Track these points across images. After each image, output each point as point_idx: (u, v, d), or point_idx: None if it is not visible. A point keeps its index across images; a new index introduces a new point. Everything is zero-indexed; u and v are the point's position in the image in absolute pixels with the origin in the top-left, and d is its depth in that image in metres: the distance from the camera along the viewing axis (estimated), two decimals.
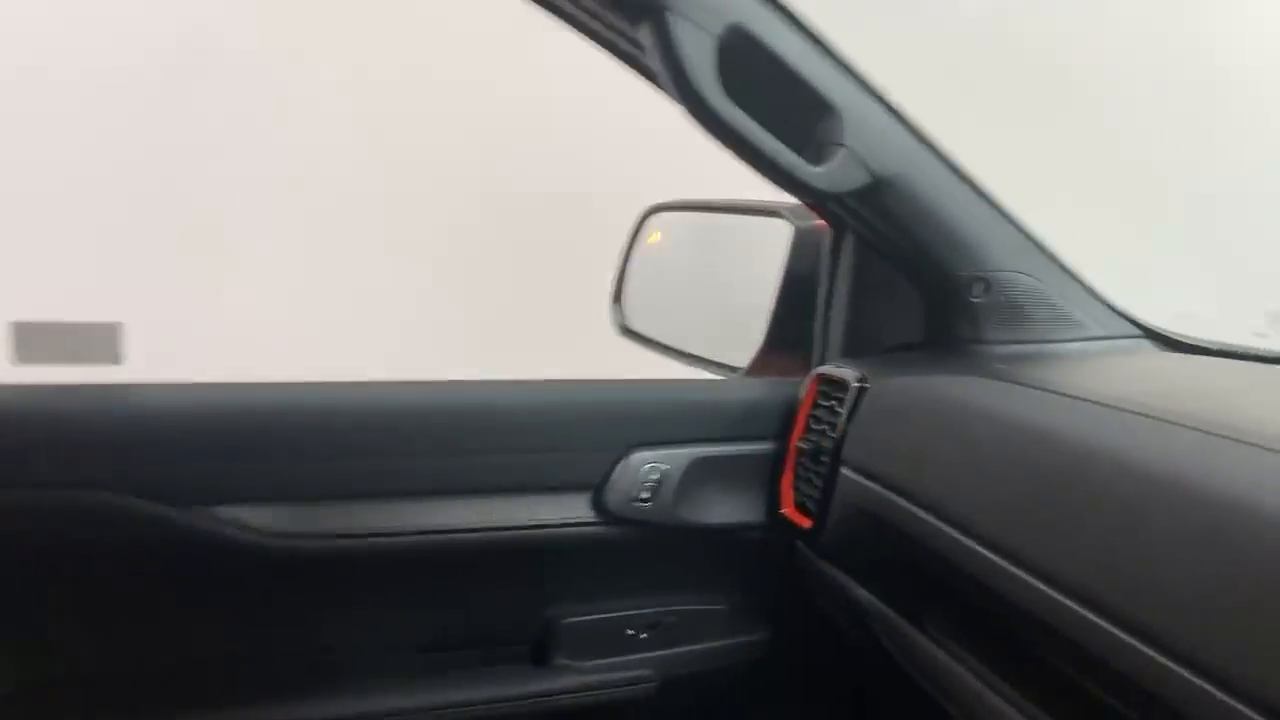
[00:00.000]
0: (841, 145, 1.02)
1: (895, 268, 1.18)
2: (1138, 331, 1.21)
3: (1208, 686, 0.64)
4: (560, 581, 1.17)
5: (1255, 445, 0.75)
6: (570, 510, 1.12)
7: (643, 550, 1.18)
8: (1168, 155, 2.30)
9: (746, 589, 1.25)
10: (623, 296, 1.53)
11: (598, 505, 1.13)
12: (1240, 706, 0.62)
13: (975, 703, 0.92)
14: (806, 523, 1.14)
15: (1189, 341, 1.19)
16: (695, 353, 1.41)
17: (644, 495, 1.13)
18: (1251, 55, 2.38)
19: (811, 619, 1.23)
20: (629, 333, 1.50)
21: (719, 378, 1.34)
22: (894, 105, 1.07)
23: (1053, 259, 1.16)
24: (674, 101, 0.96)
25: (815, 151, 1.04)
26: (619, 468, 1.13)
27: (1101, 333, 1.18)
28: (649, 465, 1.14)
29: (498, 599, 1.15)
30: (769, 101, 1.00)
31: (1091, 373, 1.08)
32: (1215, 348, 1.18)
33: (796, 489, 1.17)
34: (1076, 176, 2.25)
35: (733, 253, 1.46)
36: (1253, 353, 1.20)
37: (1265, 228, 2.29)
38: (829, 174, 1.02)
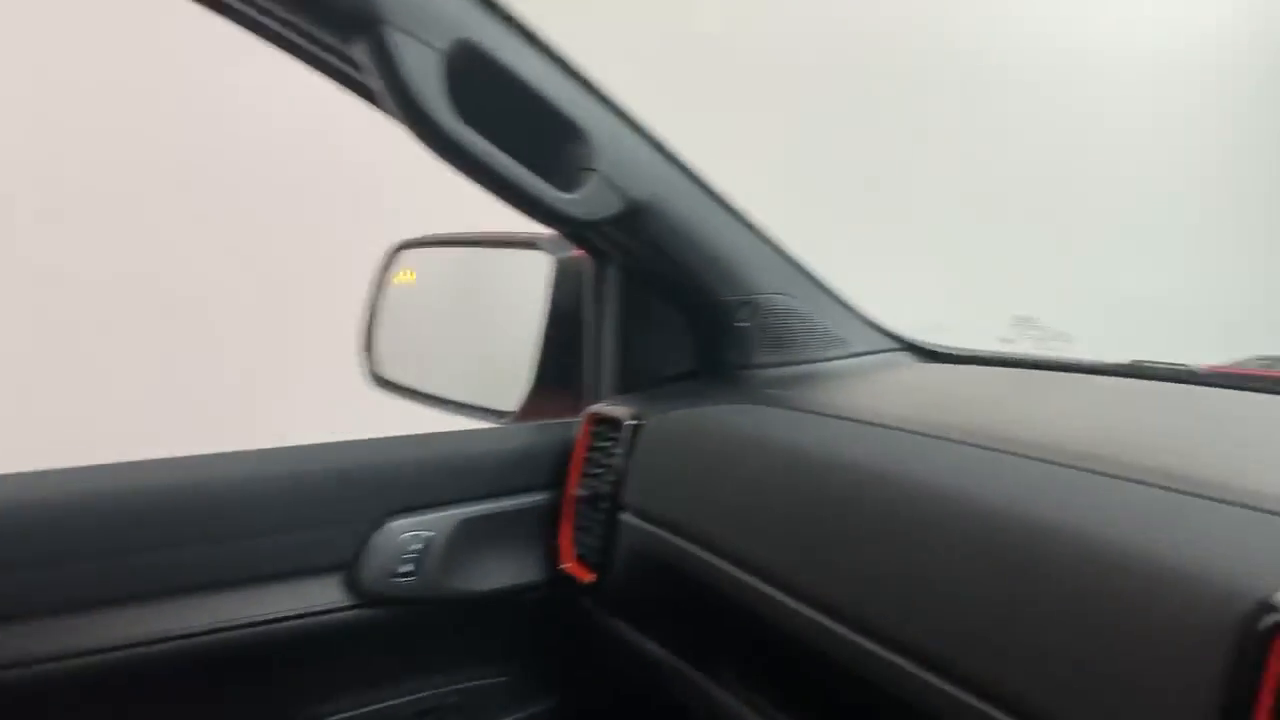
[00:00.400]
0: (593, 170, 0.96)
1: (661, 296, 1.13)
2: (897, 345, 1.22)
3: (998, 713, 0.62)
4: (316, 679, 1.02)
5: (1019, 455, 0.74)
6: (319, 596, 0.98)
7: (410, 630, 1.05)
8: (908, 165, 2.42)
9: (530, 656, 1.15)
10: (373, 343, 1.39)
11: (352, 586, 1.00)
12: None
13: None
14: (589, 576, 1.06)
15: (944, 351, 1.22)
16: (459, 399, 1.30)
17: (405, 569, 1.01)
18: (1010, 67, 2.52)
19: (602, 680, 1.15)
20: (383, 383, 1.37)
21: (487, 425, 1.24)
22: (644, 127, 1.01)
23: (813, 279, 1.15)
24: (401, 126, 0.85)
25: (566, 178, 0.96)
26: (374, 541, 1.01)
27: (864, 348, 1.18)
28: (409, 534, 1.02)
29: (242, 711, 0.99)
30: (511, 125, 0.92)
31: (858, 390, 1.07)
32: (968, 355, 1.21)
33: (577, 541, 1.09)
34: (824, 191, 2.33)
35: (492, 289, 1.37)
36: (1002, 358, 1.24)
37: (1008, 237, 2.45)
38: (582, 201, 0.95)
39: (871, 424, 0.89)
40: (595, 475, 1.08)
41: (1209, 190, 2.95)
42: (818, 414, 0.96)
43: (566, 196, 0.95)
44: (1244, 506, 0.60)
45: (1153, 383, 1.03)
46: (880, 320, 1.22)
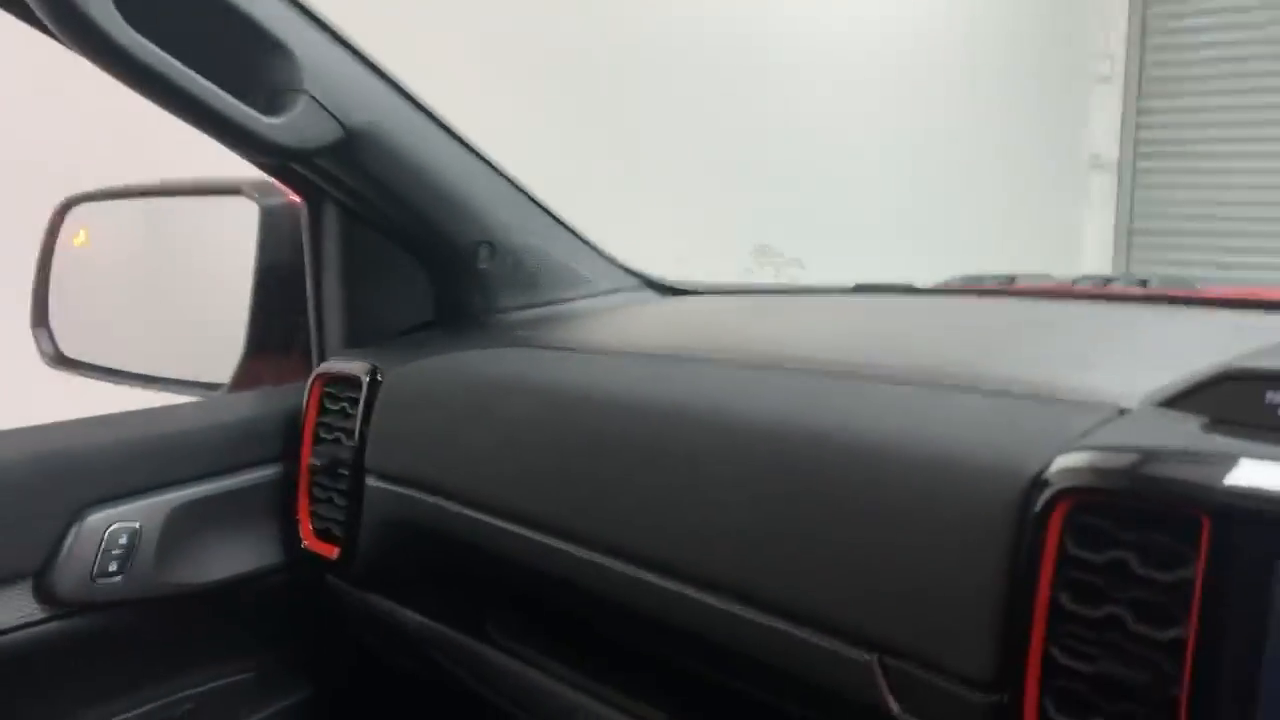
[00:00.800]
0: (301, 92, 0.85)
1: (391, 240, 1.03)
2: (639, 282, 1.20)
3: (795, 630, 0.60)
4: (14, 707, 0.85)
5: (775, 369, 0.73)
6: (4, 611, 0.82)
7: (128, 636, 0.91)
8: (649, 128, 2.43)
9: (277, 647, 1.03)
10: (50, 317, 1.19)
11: (44, 595, 0.84)
12: (844, 648, 0.58)
13: (560, 709, 0.83)
14: (333, 551, 0.96)
15: (686, 286, 1.21)
16: (160, 374, 1.14)
17: (112, 567, 0.87)
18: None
19: (362, 662, 1.05)
20: (65, 362, 1.18)
21: (196, 399, 1.09)
22: (359, 48, 0.91)
23: (554, 218, 1.10)
24: (59, 36, 0.71)
25: (267, 102, 0.85)
26: (69, 538, 0.85)
27: (607, 286, 1.15)
28: (114, 526, 0.87)
29: None
30: (197, 39, 0.79)
31: (608, 326, 1.04)
32: (708, 288, 1.21)
33: (316, 515, 0.98)
34: (572, 152, 2.30)
35: (188, 246, 1.21)
36: (740, 288, 1.26)
37: (747, 169, 2.54)
38: (289, 126, 0.84)
39: (624, 353, 0.86)
40: (332, 441, 0.97)
41: (919, 134, 3.22)
42: (570, 350, 0.91)
43: (270, 120, 0.83)
44: (996, 394, 0.61)
45: (882, 297, 1.07)
46: (622, 259, 1.20)
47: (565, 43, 2.23)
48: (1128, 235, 4.38)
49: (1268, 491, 0.43)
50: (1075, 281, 1.28)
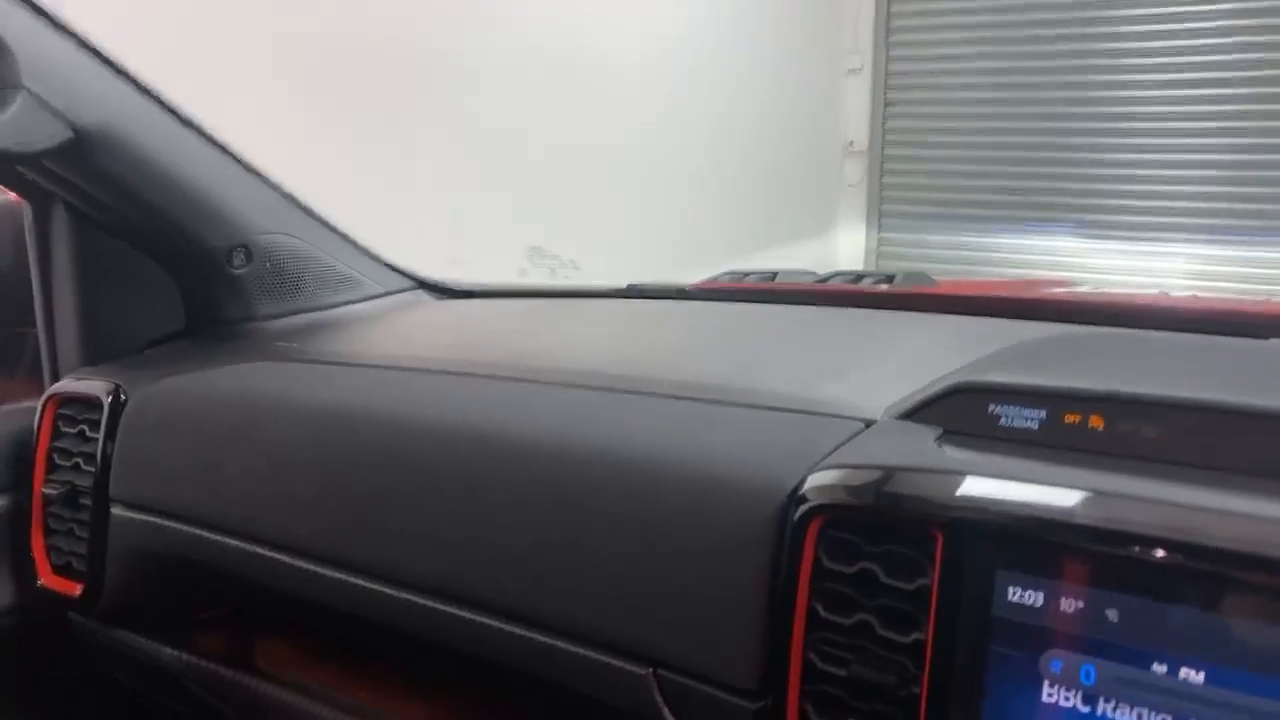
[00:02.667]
0: (19, 89, 0.76)
1: (131, 246, 0.95)
2: (411, 284, 1.17)
3: (567, 645, 0.61)
4: None
5: (542, 384, 0.74)
6: None
7: None
8: (422, 105, 2.34)
9: (16, 699, 0.93)
10: None
11: None
12: (621, 663, 0.59)
13: None
14: (76, 589, 0.88)
15: (462, 288, 1.19)
16: None
17: None
18: None
19: (112, 706, 0.97)
20: None
21: None
22: (89, 42, 0.83)
23: (317, 219, 1.05)
24: None
25: None
26: None
27: (379, 289, 1.12)
28: None
29: None
30: None
31: (377, 334, 1.00)
32: (483, 290, 1.20)
33: (54, 549, 0.90)
34: (341, 155, 2.19)
35: None
36: (514, 290, 1.25)
37: (517, 170, 2.50)
38: (8, 126, 0.75)
39: (393, 368, 0.84)
40: (69, 467, 0.89)
41: (687, 131, 3.31)
42: (334, 364, 0.88)
43: None
44: (755, 407, 0.65)
45: (652, 301, 1.10)
46: (393, 260, 1.16)
47: (334, 42, 2.13)
48: (878, 217, 4.71)
49: (989, 507, 0.48)
50: (828, 278, 1.36)
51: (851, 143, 4.72)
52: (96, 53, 0.83)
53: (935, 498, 0.49)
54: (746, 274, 1.43)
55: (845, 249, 4.63)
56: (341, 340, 0.97)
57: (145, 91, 0.87)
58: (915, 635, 0.49)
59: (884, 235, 4.79)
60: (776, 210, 4.08)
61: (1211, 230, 3.85)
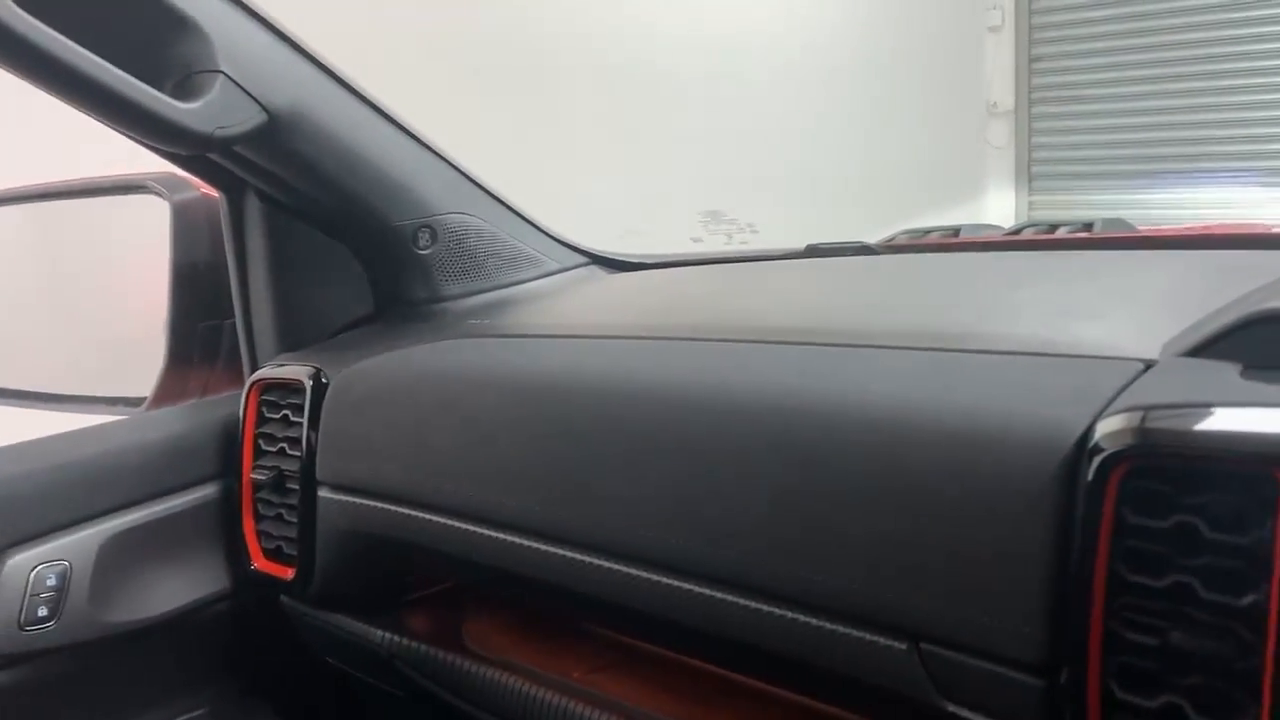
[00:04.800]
0: (217, 73, 0.76)
1: (320, 229, 0.95)
2: (587, 259, 1.14)
3: (830, 625, 0.56)
4: None
5: (756, 342, 0.69)
6: None
7: (64, 686, 0.82)
8: (601, 113, 2.42)
9: (232, 679, 0.96)
10: None
11: None
12: (876, 638, 0.54)
13: (550, 717, 0.78)
14: (288, 572, 0.89)
15: (635, 260, 1.16)
16: (71, 393, 1.04)
17: (41, 612, 0.78)
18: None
19: (323, 686, 0.98)
20: None
21: (115, 418, 1.00)
22: (277, 25, 0.83)
23: (495, 197, 1.04)
24: None
25: (179, 87, 0.76)
26: None
27: (555, 266, 1.09)
28: (40, 568, 0.79)
29: None
30: (95, 19, 0.70)
31: (564, 308, 0.98)
32: (657, 261, 1.16)
33: (264, 534, 0.91)
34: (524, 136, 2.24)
35: (93, 251, 1.10)
36: (690, 259, 1.21)
37: (690, 138, 2.55)
38: (204, 111, 0.75)
39: (591, 337, 0.81)
40: (275, 453, 0.90)
41: (841, 100, 3.25)
42: (530, 336, 0.86)
43: (184, 106, 0.75)
44: (1010, 353, 0.58)
45: (838, 260, 1.04)
46: (569, 237, 1.14)
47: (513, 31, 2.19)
48: (1028, 179, 4.48)
49: None
50: (1019, 229, 1.27)
51: (995, 104, 4.51)
52: (285, 37, 0.83)
53: (1271, 433, 0.42)
54: (927, 230, 1.35)
55: (995, 212, 4.42)
56: (529, 315, 0.95)
57: (331, 74, 0.86)
58: (1252, 597, 0.42)
59: (1034, 198, 4.56)
60: (922, 176, 3.93)
61: None
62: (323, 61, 0.86)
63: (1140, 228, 1.29)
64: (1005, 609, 0.49)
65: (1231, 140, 3.86)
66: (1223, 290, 0.61)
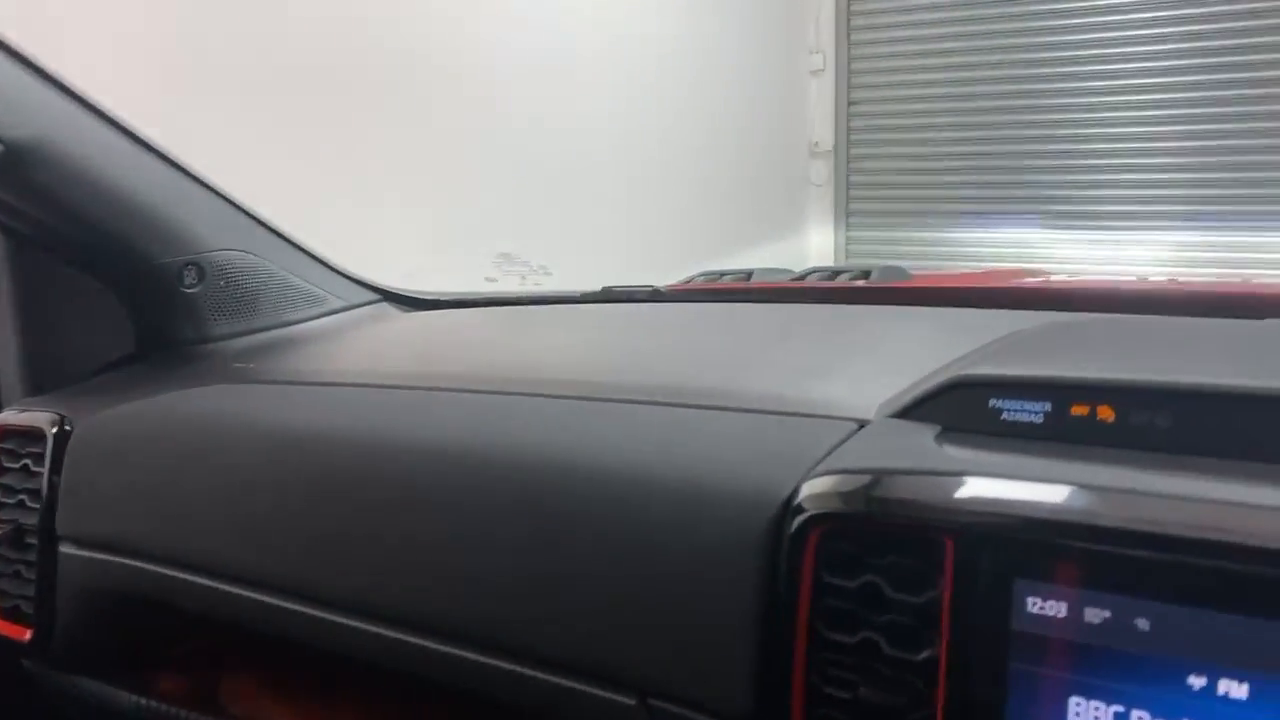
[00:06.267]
0: None
1: (74, 266, 0.90)
2: (376, 296, 1.12)
3: (566, 681, 0.57)
4: None
5: (516, 395, 0.70)
6: None
7: None
8: (377, 108, 2.26)
9: None
10: None
11: None
12: (608, 693, 0.55)
13: None
14: (25, 633, 0.82)
15: (429, 298, 1.15)
16: None
17: None
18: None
19: None
20: None
21: None
22: (19, 50, 0.78)
23: (274, 232, 1.00)
24: None
25: None
26: None
27: (341, 304, 1.07)
28: None
29: None
30: None
31: (340, 351, 0.96)
32: (450, 299, 1.15)
33: (2, 593, 0.84)
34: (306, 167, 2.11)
35: None
36: (484, 298, 1.21)
37: (484, 176, 2.43)
38: None
39: (356, 385, 0.79)
40: (13, 505, 0.83)
41: (654, 133, 3.28)
42: (294, 383, 0.83)
43: None
44: (741, 410, 0.61)
45: (628, 305, 1.06)
46: (356, 272, 1.11)
47: (282, 43, 2.06)
48: (846, 216, 4.71)
49: (1004, 510, 0.44)
50: (804, 275, 1.33)
51: (817, 143, 4.72)
52: (26, 62, 0.78)
53: (943, 502, 0.45)
54: (722, 274, 1.39)
55: (815, 248, 4.62)
56: (302, 358, 0.92)
57: (81, 102, 0.82)
58: (927, 653, 0.45)
59: (852, 234, 4.79)
60: (746, 211, 4.06)
61: (1179, 217, 3.88)
62: (71, 88, 0.81)
63: (915, 275, 1.37)
64: (719, 664, 0.51)
65: (1034, 185, 4.17)
66: (953, 350, 0.65)
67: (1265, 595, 0.39)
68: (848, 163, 4.67)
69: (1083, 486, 0.43)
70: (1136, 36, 3.84)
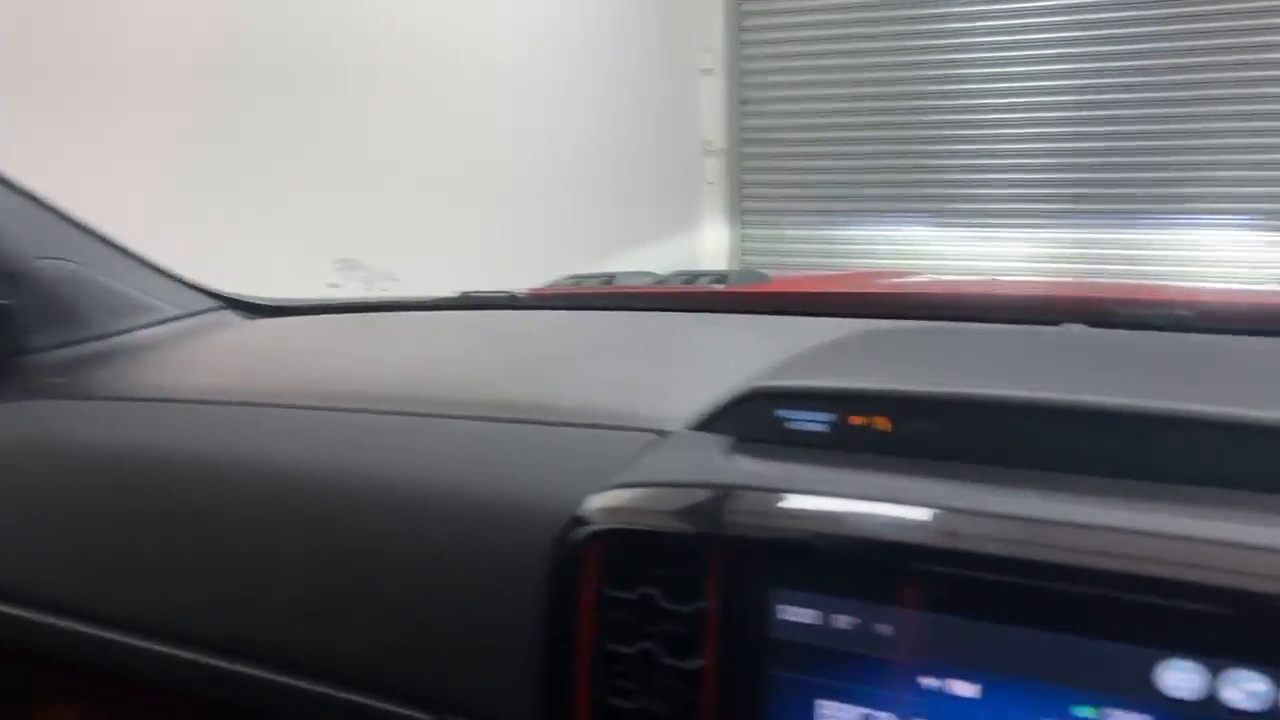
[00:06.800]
0: None
1: None
2: (216, 303, 1.09)
3: (364, 699, 0.56)
4: None
5: (340, 411, 0.69)
6: None
7: None
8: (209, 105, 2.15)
9: None
10: None
11: None
12: (405, 711, 0.55)
13: None
14: None
15: (274, 304, 1.12)
16: None
17: None
18: None
19: None
20: None
21: None
22: None
23: (100, 239, 0.96)
24: None
25: None
26: None
27: (177, 311, 1.03)
28: None
29: None
30: None
31: (170, 362, 0.93)
32: (294, 305, 1.13)
33: None
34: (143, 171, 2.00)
35: None
36: (330, 304, 1.18)
37: (333, 174, 2.32)
38: None
39: (174, 401, 0.77)
40: None
41: (538, 132, 3.24)
42: (114, 399, 0.80)
43: None
44: (549, 424, 0.61)
45: (483, 312, 1.06)
46: (195, 279, 1.08)
47: (106, 42, 1.95)
48: (740, 215, 4.77)
49: (762, 522, 0.45)
50: (666, 279, 1.34)
51: (709, 142, 4.77)
52: None
53: (709, 515, 0.46)
54: (585, 277, 1.40)
55: (710, 247, 4.67)
56: (126, 371, 0.89)
57: None
58: (697, 662, 0.46)
59: (746, 232, 4.86)
60: (639, 211, 4.08)
61: (1057, 215, 4.05)
62: None
63: (775, 277, 1.40)
64: (509, 679, 0.51)
65: (923, 184, 4.29)
66: (770, 359, 0.66)
67: (990, 600, 0.40)
68: (740, 162, 4.73)
69: (836, 497, 0.44)
70: (1018, 41, 3.99)
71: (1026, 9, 3.94)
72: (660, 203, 4.32)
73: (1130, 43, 3.80)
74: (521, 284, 1.37)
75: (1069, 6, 3.87)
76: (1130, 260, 3.91)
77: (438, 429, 0.63)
